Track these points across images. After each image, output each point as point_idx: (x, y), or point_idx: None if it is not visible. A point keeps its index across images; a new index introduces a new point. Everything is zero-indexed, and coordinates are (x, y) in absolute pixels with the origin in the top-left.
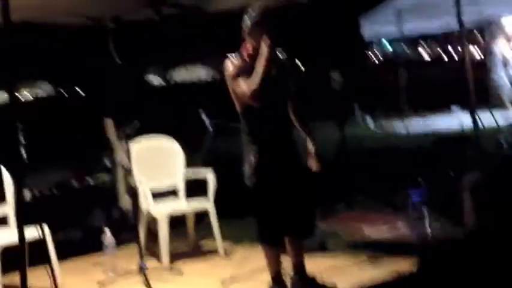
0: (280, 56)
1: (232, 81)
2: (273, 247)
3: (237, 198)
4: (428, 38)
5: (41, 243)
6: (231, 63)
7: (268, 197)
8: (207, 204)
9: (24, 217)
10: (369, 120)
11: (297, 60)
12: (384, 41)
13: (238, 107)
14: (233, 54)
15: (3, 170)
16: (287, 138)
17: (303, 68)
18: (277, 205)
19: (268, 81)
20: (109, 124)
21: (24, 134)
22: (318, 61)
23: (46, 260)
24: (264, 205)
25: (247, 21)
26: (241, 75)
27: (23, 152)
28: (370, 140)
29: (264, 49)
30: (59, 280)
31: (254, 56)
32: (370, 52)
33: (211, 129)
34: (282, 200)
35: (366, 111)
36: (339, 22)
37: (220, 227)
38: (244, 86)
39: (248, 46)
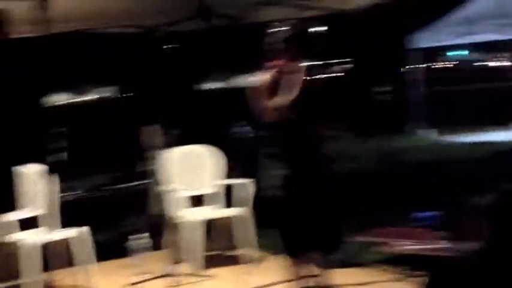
0: (314, 70)
1: (266, 94)
2: (297, 260)
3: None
4: (497, 48)
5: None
6: (264, 77)
7: (295, 210)
8: (243, 212)
9: (65, 218)
10: (426, 132)
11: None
12: (451, 50)
13: (267, 119)
14: (264, 67)
15: (46, 170)
16: (316, 152)
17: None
18: (303, 218)
19: (303, 95)
20: (153, 130)
21: (67, 138)
22: (367, 74)
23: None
24: (290, 218)
25: (280, 36)
26: (275, 88)
27: (65, 155)
28: (425, 151)
29: (297, 65)
30: (94, 280)
31: (287, 70)
32: (434, 62)
33: (251, 138)
34: (308, 213)
35: (424, 122)
36: (393, 33)
37: (257, 236)
38: (280, 100)
39: (281, 60)
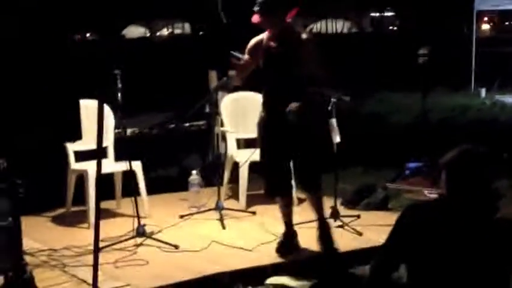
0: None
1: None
2: (283, 198)
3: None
4: None
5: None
6: None
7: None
8: None
9: (123, 152)
10: (483, 91)
11: None
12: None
13: None
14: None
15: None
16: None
17: None
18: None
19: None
20: (212, 76)
21: (122, 78)
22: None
23: (135, 192)
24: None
25: None
26: None
27: (119, 93)
28: (478, 110)
29: None
30: (147, 210)
31: None
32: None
33: None
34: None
35: (481, 82)
36: None
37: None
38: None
39: None
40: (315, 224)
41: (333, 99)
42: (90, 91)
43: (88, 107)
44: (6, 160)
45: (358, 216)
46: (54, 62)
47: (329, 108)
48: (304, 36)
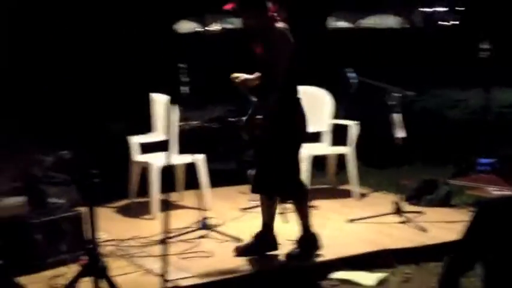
0: None
1: None
2: (262, 198)
3: (380, 150)
4: None
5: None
6: None
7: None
8: (347, 150)
9: (185, 145)
10: None
11: None
12: None
13: None
14: None
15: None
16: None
17: None
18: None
19: None
20: None
21: (188, 72)
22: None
23: (198, 185)
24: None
25: None
26: None
27: (186, 87)
28: None
29: None
30: (209, 203)
31: None
32: None
33: (354, 84)
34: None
35: None
36: None
37: (361, 174)
38: None
39: None
40: (373, 220)
41: (396, 95)
42: (157, 85)
43: (153, 100)
44: (75, 152)
45: (421, 213)
46: (129, 56)
47: (393, 103)
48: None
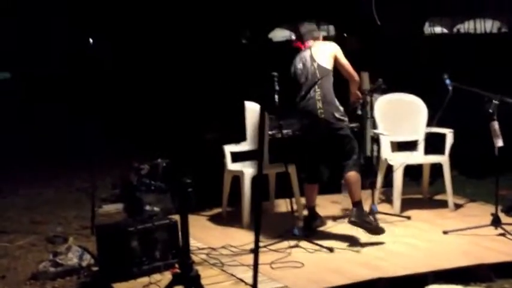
0: None
1: None
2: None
3: (478, 159)
4: None
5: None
6: None
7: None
8: (442, 158)
9: (274, 155)
10: None
11: None
12: None
13: None
14: None
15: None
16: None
17: None
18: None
19: None
20: (364, 77)
21: (278, 82)
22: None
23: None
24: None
25: None
26: None
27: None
28: None
29: None
30: (301, 212)
31: None
32: None
33: (450, 91)
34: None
35: None
36: None
37: (458, 184)
38: None
39: None
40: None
41: (494, 102)
42: (250, 93)
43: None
44: (170, 161)
45: None
46: (225, 65)
47: (490, 110)
48: None
